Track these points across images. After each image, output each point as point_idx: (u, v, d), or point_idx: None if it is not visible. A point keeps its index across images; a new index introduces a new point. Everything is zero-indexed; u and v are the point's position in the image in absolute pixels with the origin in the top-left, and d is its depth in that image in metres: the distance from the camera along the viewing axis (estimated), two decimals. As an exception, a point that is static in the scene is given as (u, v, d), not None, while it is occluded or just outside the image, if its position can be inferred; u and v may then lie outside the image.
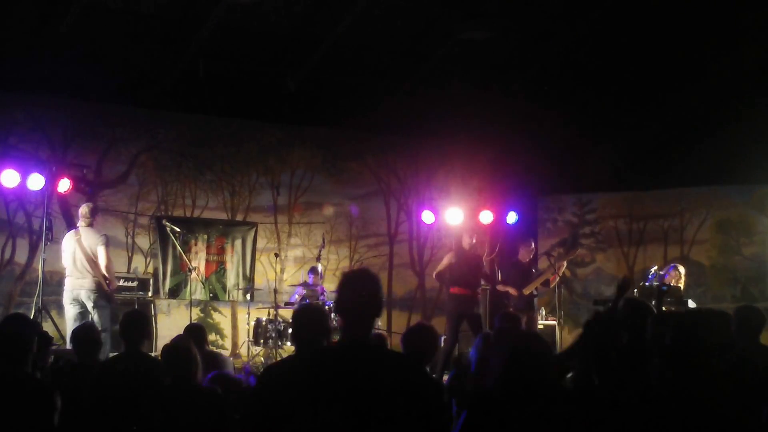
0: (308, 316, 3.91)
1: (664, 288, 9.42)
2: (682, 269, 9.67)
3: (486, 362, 3.88)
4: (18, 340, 4.09)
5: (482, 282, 9.80)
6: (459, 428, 3.15)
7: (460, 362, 6.76)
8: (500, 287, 10.01)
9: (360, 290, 3.11)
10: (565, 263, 10.30)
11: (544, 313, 11.00)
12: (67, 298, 8.43)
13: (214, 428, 4.16)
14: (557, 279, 10.05)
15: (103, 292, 8.34)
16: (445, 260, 9.57)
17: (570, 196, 12.69)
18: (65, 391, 4.16)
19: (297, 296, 10.44)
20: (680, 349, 3.42)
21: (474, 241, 9.51)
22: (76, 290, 8.33)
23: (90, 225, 8.56)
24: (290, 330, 7.92)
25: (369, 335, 3.11)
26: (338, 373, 2.90)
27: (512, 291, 9.84)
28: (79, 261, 8.35)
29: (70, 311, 8.34)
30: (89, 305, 8.29)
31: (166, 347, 4.50)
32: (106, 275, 8.39)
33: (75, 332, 5.63)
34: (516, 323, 6.11)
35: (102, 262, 8.36)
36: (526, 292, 9.86)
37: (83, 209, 8.62)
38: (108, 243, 8.62)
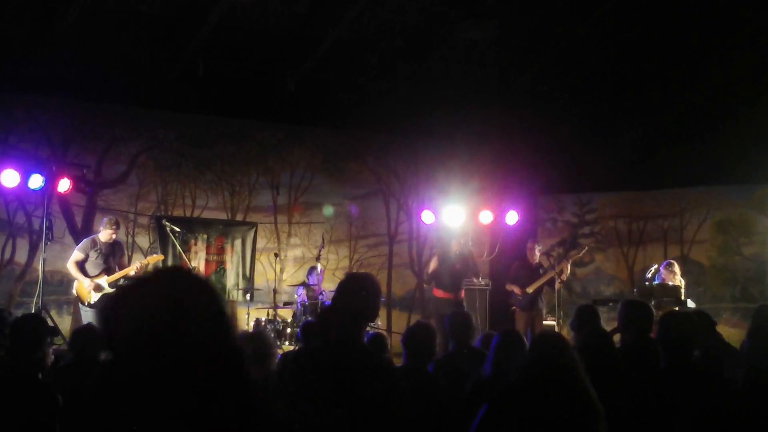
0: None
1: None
2: (676, 267, 9.69)
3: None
4: (34, 343, 4.29)
5: (476, 280, 10.03)
6: (478, 421, 3.17)
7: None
8: (508, 286, 10.09)
9: (358, 293, 3.14)
10: (569, 264, 10.32)
11: (544, 313, 10.99)
12: None
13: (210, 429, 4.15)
14: (564, 279, 10.08)
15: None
16: (432, 264, 10.02)
17: (570, 196, 12.69)
18: (66, 390, 4.17)
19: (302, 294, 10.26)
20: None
21: (462, 247, 10.01)
22: None
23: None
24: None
25: (357, 337, 3.14)
26: (325, 372, 2.94)
27: (517, 290, 9.93)
28: None
29: None
30: None
31: None
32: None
33: (75, 332, 5.62)
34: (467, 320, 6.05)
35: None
36: (530, 290, 9.89)
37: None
38: (79, 247, 8.97)
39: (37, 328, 4.42)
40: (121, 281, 8.86)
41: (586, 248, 11.14)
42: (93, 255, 8.75)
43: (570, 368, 3.21)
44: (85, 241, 8.91)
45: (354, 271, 11.58)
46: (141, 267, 8.88)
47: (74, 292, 8.81)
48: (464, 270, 10.01)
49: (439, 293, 9.90)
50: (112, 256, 8.87)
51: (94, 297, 8.60)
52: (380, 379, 2.99)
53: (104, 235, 8.85)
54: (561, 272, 10.02)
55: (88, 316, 8.49)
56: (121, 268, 8.85)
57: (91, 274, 8.70)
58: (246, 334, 4.86)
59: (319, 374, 2.95)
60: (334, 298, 3.25)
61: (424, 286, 10.88)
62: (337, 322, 3.12)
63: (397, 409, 2.98)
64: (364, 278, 3.31)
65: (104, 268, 8.75)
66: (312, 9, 10.12)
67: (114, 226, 8.88)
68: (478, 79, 11.60)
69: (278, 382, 3.13)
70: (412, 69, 11.37)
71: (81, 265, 8.73)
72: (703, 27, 10.34)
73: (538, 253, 10.18)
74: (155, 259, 9.43)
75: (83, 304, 8.67)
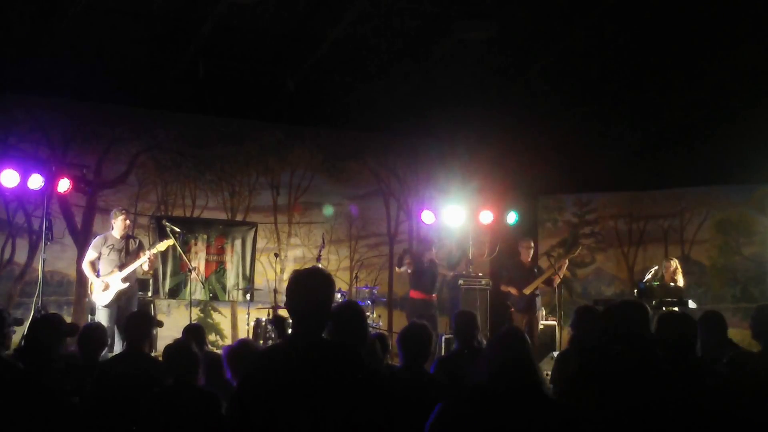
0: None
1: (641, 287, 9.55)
2: (673, 263, 9.68)
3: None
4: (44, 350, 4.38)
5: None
6: (432, 419, 3.13)
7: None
8: (503, 288, 10.09)
9: (314, 290, 3.10)
10: (566, 263, 10.32)
11: (544, 313, 10.99)
12: None
13: (211, 430, 4.16)
14: (560, 279, 10.07)
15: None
16: (409, 268, 10.38)
17: (570, 196, 12.69)
18: (66, 391, 4.18)
19: None
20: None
21: (435, 251, 10.47)
22: None
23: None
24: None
25: (321, 335, 3.11)
26: (295, 372, 2.92)
27: (513, 291, 9.93)
28: None
29: None
30: None
31: (168, 348, 4.47)
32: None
33: (81, 331, 5.61)
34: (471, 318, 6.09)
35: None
36: (527, 291, 9.89)
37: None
38: (91, 245, 8.75)
39: (49, 339, 4.43)
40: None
41: (581, 247, 11.16)
42: (105, 251, 8.51)
43: (527, 367, 3.16)
44: (96, 239, 8.71)
45: (348, 270, 11.67)
46: (153, 256, 8.79)
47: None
48: (436, 274, 10.38)
49: (416, 294, 10.20)
50: (126, 252, 8.57)
51: (107, 297, 8.40)
52: (353, 379, 2.96)
53: (118, 227, 8.60)
54: (559, 269, 10.03)
55: (101, 316, 8.41)
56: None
57: (104, 272, 8.45)
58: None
59: (289, 375, 2.92)
60: (289, 298, 3.17)
61: (396, 268, 11.20)
62: (306, 322, 3.07)
63: (375, 411, 2.95)
64: (316, 273, 3.26)
65: (118, 265, 8.47)
66: (312, 9, 10.12)
67: (123, 212, 8.68)
68: (478, 79, 11.60)
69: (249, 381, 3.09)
70: (412, 69, 11.37)
71: (95, 264, 8.53)
72: (703, 27, 10.33)
73: (530, 254, 10.20)
74: (166, 244, 9.18)
75: (98, 305, 8.53)
